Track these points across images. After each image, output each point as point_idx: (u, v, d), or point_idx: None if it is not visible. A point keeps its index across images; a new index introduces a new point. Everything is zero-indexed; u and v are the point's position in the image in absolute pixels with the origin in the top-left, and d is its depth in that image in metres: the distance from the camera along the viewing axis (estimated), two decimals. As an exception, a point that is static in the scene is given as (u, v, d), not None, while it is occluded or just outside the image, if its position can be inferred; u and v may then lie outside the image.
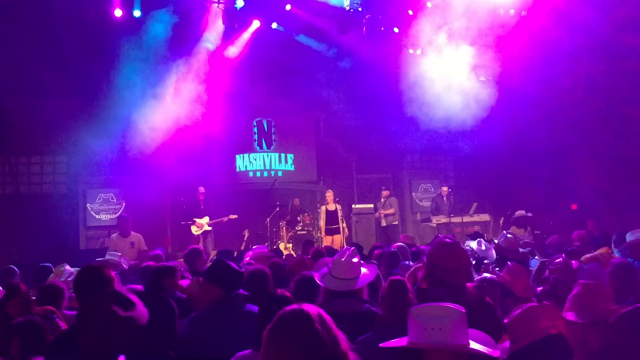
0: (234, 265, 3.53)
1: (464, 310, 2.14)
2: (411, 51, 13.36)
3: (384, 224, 12.70)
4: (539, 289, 3.66)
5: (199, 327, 3.34)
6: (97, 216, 12.62)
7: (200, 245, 10.80)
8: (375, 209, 12.94)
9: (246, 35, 12.96)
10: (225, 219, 11.47)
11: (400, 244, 6.76)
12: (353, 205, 13.30)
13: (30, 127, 11.54)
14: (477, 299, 3.20)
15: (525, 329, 2.48)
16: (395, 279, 3.12)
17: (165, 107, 11.95)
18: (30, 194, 12.47)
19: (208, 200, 11.68)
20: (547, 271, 4.00)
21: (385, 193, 12.95)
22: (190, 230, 11.34)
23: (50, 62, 10.83)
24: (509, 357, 2.46)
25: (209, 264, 5.37)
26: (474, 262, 4.76)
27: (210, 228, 11.39)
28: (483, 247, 5.60)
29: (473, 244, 5.78)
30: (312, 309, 1.94)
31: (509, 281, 4.04)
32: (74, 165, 12.54)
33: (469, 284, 3.37)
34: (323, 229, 12.10)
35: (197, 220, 11.32)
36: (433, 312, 2.11)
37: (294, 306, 1.96)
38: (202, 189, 11.64)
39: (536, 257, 5.75)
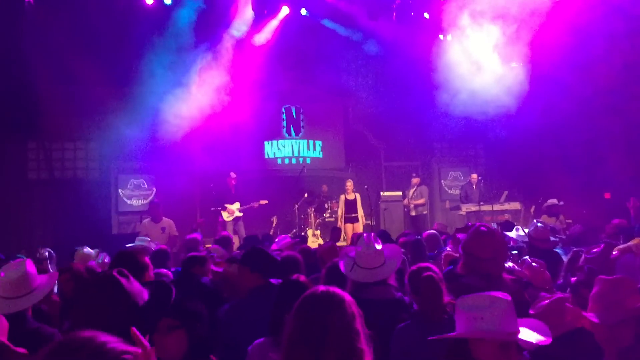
0: (271, 253, 3.54)
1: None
2: (442, 37, 13.20)
3: (413, 213, 12.60)
4: (573, 279, 3.58)
5: (239, 313, 3.35)
6: (128, 201, 12.84)
7: (230, 231, 10.94)
8: (404, 197, 12.85)
9: (275, 21, 12.94)
10: (256, 204, 11.53)
11: (431, 231, 6.70)
12: (381, 193, 13.24)
13: (64, 113, 11.71)
14: (516, 293, 3.17)
15: (553, 321, 2.42)
16: (428, 275, 3.06)
17: (194, 94, 12.05)
18: (64, 179, 12.73)
19: (239, 186, 11.75)
20: (580, 260, 3.90)
21: (415, 181, 12.77)
22: (221, 216, 11.44)
23: (83, 49, 10.99)
24: (536, 349, 2.41)
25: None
26: (515, 252, 4.69)
27: (241, 214, 11.46)
28: (522, 233, 5.51)
29: (512, 234, 5.70)
30: (344, 294, 1.93)
31: (528, 276, 3.96)
32: (106, 151, 12.76)
33: (505, 275, 3.32)
34: (341, 217, 12.08)
35: (228, 206, 11.41)
36: (479, 302, 2.06)
37: (324, 288, 1.94)
38: (233, 175, 11.71)
39: (559, 247, 5.61)
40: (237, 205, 11.46)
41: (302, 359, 1.80)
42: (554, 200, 11.33)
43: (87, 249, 5.91)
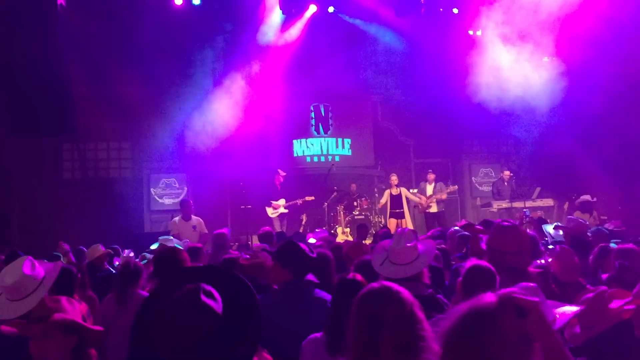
0: (305, 248, 3.50)
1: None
2: (471, 32, 13.07)
3: (434, 210, 12.24)
4: (604, 275, 3.51)
5: (267, 308, 3.36)
6: (160, 200, 13.04)
7: (277, 228, 11.02)
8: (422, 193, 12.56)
9: (303, 20, 12.99)
10: (300, 201, 11.63)
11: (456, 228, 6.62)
12: (410, 190, 13.16)
13: (98, 114, 11.97)
14: (543, 286, 3.12)
15: (598, 315, 2.37)
16: (479, 265, 2.99)
17: (226, 96, 12.20)
18: (98, 178, 13.00)
19: (285, 183, 11.80)
20: (611, 256, 3.83)
21: (432, 177, 12.45)
22: (266, 213, 11.48)
23: (117, 50, 11.21)
24: (584, 345, 2.37)
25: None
26: (551, 247, 4.61)
27: (286, 210, 11.56)
28: (560, 232, 5.42)
29: (549, 229, 5.61)
30: (401, 289, 1.95)
31: (557, 267, 3.88)
32: (138, 151, 13.00)
33: (531, 269, 3.29)
34: (388, 212, 12.06)
35: (274, 202, 11.48)
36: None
37: (380, 283, 1.96)
38: (282, 173, 11.78)
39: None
40: (282, 201, 11.53)
41: (365, 355, 1.81)
42: (587, 197, 11.10)
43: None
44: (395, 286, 1.93)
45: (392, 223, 11.87)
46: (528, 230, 5.82)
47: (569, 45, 11.47)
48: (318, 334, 2.75)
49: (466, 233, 5.71)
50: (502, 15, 11.69)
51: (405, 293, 1.92)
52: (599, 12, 10.92)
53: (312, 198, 11.84)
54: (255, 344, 1.87)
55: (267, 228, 7.99)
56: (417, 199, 12.39)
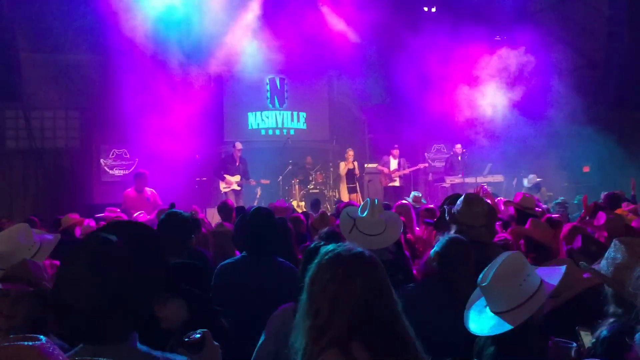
0: (272, 218, 3.51)
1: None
2: (426, 9, 13.23)
3: (397, 184, 12.50)
4: (567, 247, 3.65)
5: (227, 276, 3.37)
6: (110, 171, 12.70)
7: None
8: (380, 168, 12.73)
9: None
10: (254, 182, 11.39)
11: (404, 201, 6.77)
12: (365, 165, 13.28)
13: (44, 81, 11.48)
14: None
15: (566, 282, 2.43)
16: (458, 238, 3.04)
17: (179, 66, 11.90)
18: (45, 148, 12.52)
19: (243, 157, 11.51)
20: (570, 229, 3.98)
21: (396, 152, 12.68)
22: (217, 186, 11.25)
23: (64, 17, 10.75)
24: (551, 312, 2.44)
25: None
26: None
27: (239, 188, 11.25)
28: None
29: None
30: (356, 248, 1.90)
31: (538, 234, 3.95)
32: (87, 121, 12.56)
33: (495, 241, 3.39)
34: (345, 187, 12.13)
35: (228, 177, 11.19)
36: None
37: (354, 248, 1.89)
38: (239, 145, 11.41)
39: None
40: (237, 178, 11.24)
41: (347, 322, 1.77)
42: (534, 176, 11.56)
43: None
44: (366, 251, 1.92)
45: (346, 197, 11.96)
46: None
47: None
48: (287, 305, 2.74)
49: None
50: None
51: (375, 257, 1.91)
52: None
53: (268, 182, 11.70)
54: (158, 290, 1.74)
55: (228, 200, 7.84)
56: (382, 169, 12.54)
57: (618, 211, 5.27)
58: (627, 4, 10.87)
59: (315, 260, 1.88)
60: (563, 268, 2.12)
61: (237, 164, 11.27)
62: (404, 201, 6.86)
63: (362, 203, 3.67)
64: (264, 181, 11.54)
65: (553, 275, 2.12)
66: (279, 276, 3.26)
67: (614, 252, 2.31)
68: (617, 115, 12.81)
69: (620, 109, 12.46)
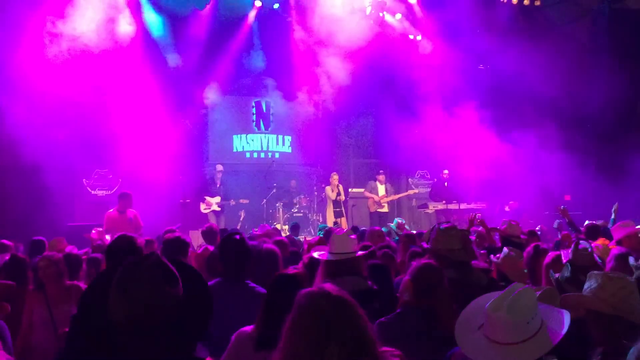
0: (245, 243, 3.53)
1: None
2: (411, 37, 13.44)
3: (385, 210, 12.48)
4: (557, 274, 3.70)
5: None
6: (92, 191, 12.58)
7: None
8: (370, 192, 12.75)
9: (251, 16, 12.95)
10: (233, 202, 11.36)
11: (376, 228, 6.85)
12: (350, 189, 13.32)
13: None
14: (489, 280, 3.32)
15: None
16: (429, 264, 3.08)
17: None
18: (25, 166, 12.33)
19: (224, 179, 11.51)
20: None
21: (382, 178, 12.72)
22: (199, 209, 11.21)
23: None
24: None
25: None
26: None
27: (219, 209, 11.24)
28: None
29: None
30: (338, 290, 1.90)
31: (506, 268, 4.11)
32: (70, 140, 12.43)
33: (474, 264, 3.47)
34: (331, 212, 12.14)
35: (208, 198, 11.17)
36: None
37: (322, 287, 1.90)
38: (220, 167, 11.45)
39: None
40: (217, 199, 11.22)
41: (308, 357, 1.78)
42: (514, 203, 11.71)
43: None
44: (336, 288, 1.92)
45: (332, 221, 11.96)
46: (481, 228, 6.14)
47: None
48: (249, 327, 2.74)
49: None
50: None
51: (346, 294, 1.90)
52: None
53: (247, 201, 11.68)
54: (203, 331, 1.84)
55: (212, 224, 7.79)
56: (372, 196, 12.50)
57: (597, 242, 5.32)
58: (607, 36, 11.15)
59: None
60: (566, 317, 2.07)
61: (218, 185, 11.30)
62: (384, 228, 6.93)
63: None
64: (243, 200, 11.53)
65: (555, 319, 2.07)
66: (251, 302, 3.25)
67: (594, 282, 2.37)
68: (596, 145, 13.05)
69: (600, 139, 12.69)
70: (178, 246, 4.39)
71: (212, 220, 11.02)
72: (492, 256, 4.36)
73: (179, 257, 3.49)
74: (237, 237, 3.56)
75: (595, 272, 2.45)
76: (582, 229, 6.60)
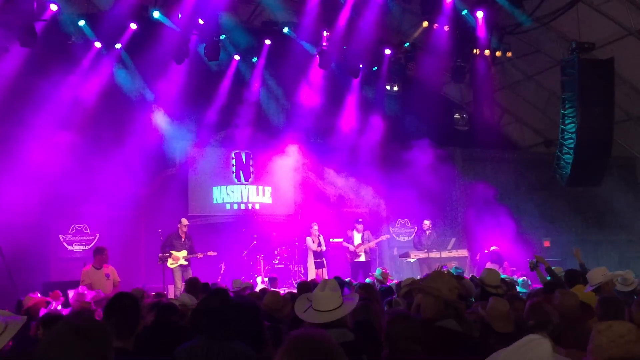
0: (228, 298, 3.47)
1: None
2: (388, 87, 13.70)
3: (363, 259, 12.36)
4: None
5: (188, 357, 3.26)
6: (69, 247, 12.32)
7: (178, 279, 10.61)
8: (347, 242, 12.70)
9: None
10: (201, 255, 11.13)
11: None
12: (330, 239, 13.25)
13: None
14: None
15: None
16: (403, 315, 3.02)
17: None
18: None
19: (190, 233, 11.36)
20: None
21: (361, 227, 12.65)
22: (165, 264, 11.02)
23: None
24: None
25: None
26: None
27: (186, 262, 11.00)
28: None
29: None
30: (328, 336, 1.87)
31: (489, 317, 4.07)
32: (45, 195, 12.24)
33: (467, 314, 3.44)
34: (312, 262, 12.03)
35: (174, 252, 10.94)
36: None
37: (311, 332, 1.87)
38: (185, 222, 11.27)
39: None
40: (184, 253, 11.00)
41: None
42: (495, 248, 11.75)
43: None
44: (321, 331, 1.89)
45: (313, 272, 11.85)
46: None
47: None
48: None
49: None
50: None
51: (332, 339, 1.87)
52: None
53: (215, 253, 11.45)
54: None
55: (196, 277, 7.62)
56: (348, 246, 12.44)
57: (576, 288, 5.32)
58: (579, 85, 11.46)
59: None
60: None
61: (183, 239, 11.06)
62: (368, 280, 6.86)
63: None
64: (210, 253, 11.28)
65: None
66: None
67: None
68: (571, 190, 13.24)
69: (575, 185, 12.88)
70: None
71: (178, 274, 10.80)
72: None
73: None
74: (219, 293, 3.49)
75: None
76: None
